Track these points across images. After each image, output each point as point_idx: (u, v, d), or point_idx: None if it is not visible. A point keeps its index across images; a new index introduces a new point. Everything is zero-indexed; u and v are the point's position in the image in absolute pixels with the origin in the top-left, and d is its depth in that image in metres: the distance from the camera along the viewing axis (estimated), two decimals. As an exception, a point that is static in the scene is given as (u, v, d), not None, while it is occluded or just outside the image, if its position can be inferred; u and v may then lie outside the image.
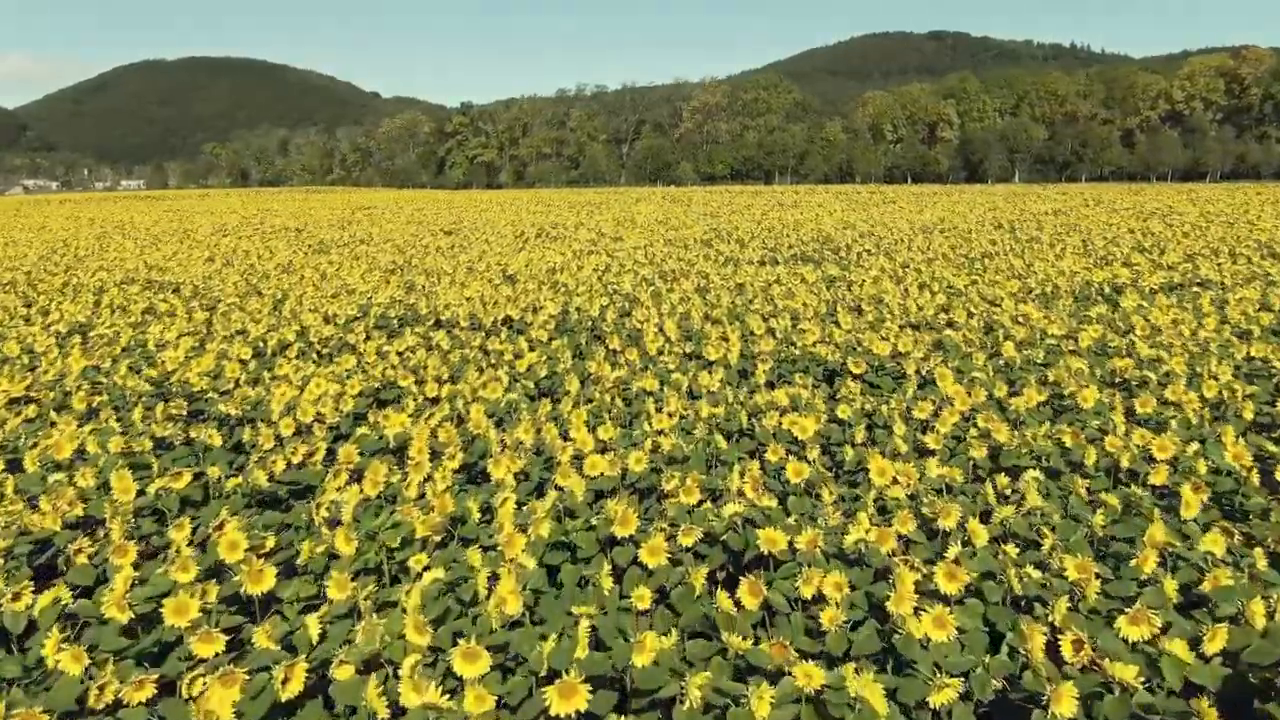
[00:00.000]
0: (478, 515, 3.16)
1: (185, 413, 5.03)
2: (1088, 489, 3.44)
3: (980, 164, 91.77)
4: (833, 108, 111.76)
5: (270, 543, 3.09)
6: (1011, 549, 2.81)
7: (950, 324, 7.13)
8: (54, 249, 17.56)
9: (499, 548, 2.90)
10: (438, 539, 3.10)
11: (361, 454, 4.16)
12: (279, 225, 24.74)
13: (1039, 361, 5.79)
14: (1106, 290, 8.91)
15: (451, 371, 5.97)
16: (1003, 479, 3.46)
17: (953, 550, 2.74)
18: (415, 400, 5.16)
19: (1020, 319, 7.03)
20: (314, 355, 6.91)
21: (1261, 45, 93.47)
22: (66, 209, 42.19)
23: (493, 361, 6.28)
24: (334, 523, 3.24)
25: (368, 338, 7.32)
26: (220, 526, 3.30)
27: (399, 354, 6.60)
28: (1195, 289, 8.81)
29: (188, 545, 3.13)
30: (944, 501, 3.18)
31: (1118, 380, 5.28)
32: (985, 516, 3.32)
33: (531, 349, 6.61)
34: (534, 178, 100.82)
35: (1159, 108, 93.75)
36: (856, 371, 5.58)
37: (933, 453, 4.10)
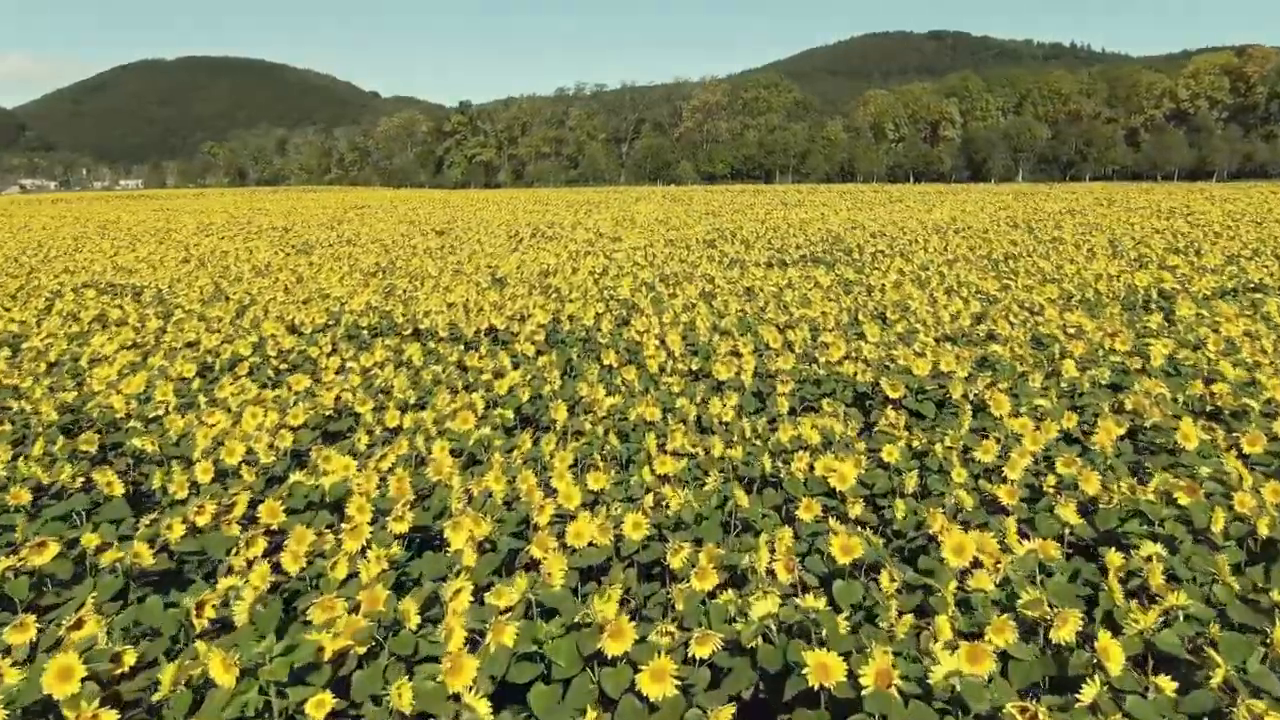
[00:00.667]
0: (416, 620, 2.31)
1: (95, 448, 4.19)
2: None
3: (983, 163, 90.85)
4: (833, 107, 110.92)
5: (129, 659, 2.26)
6: (1168, 684, 1.97)
7: (991, 336, 6.29)
8: (25, 249, 16.71)
9: (442, 676, 2.07)
10: (361, 651, 2.26)
11: (290, 510, 3.33)
12: (266, 225, 23.88)
13: (1105, 383, 4.95)
14: (1155, 296, 8.06)
15: (419, 395, 5.13)
16: (1115, 556, 2.62)
17: (1089, 691, 1.90)
18: (371, 434, 4.32)
19: (1071, 330, 6.18)
20: (270, 371, 6.06)
21: (1265, 45, 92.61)
22: (57, 209, 41.29)
23: (469, 382, 5.43)
24: (224, 626, 2.41)
25: (333, 351, 6.48)
26: (77, 625, 2.48)
27: (363, 371, 5.76)
28: (1255, 295, 7.96)
29: (24, 660, 2.30)
30: (1044, 596, 2.34)
31: (1207, 409, 4.44)
32: (1091, 602, 2.50)
33: (515, 366, 5.77)
34: (533, 177, 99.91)
35: (1163, 106, 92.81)
36: (894, 395, 4.73)
37: (1005, 509, 3.26)
